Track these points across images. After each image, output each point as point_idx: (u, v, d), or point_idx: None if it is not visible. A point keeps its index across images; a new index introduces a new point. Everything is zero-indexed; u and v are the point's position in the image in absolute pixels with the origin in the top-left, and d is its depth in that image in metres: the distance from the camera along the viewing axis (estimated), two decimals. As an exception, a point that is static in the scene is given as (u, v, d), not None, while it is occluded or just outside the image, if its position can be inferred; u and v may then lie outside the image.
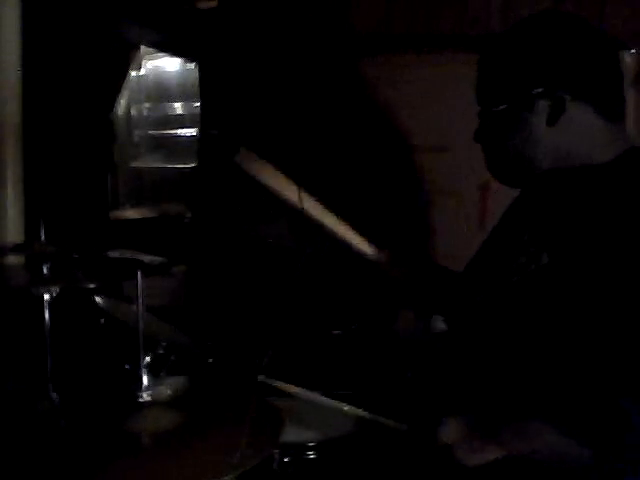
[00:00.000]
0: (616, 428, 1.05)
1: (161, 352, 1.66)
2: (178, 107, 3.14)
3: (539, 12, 1.35)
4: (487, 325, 1.30)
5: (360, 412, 1.40)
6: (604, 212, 1.19)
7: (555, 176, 1.29)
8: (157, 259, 1.83)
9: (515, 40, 1.29)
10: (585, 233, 1.19)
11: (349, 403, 1.41)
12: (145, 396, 1.32)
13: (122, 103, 3.08)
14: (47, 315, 1.57)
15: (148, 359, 1.49)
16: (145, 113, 3.21)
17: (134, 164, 3.14)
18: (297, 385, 1.43)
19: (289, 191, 1.66)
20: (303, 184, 2.48)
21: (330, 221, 1.65)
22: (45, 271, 1.57)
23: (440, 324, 1.79)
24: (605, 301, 1.11)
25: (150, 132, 3.20)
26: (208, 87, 2.69)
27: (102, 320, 1.86)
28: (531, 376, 1.19)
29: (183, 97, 3.10)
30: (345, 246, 1.61)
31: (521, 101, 1.25)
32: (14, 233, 1.88)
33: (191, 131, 3.04)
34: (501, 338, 1.26)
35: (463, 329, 1.41)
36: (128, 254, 1.76)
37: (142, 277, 1.37)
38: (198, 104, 2.79)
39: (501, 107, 1.27)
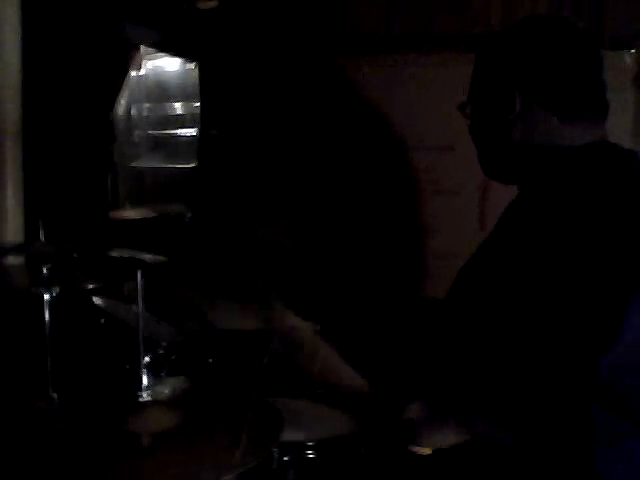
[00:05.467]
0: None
1: (161, 352, 1.67)
2: (178, 107, 3.14)
3: (530, 16, 1.44)
4: (464, 319, 1.33)
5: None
6: (549, 206, 1.23)
7: (517, 179, 1.36)
8: (158, 258, 1.82)
9: (494, 42, 1.37)
10: (533, 231, 1.22)
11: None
12: (145, 396, 1.32)
13: (122, 103, 3.08)
14: (47, 315, 1.57)
15: (148, 359, 1.49)
16: (145, 113, 3.21)
17: (134, 164, 3.14)
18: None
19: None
20: (302, 184, 2.48)
21: None
22: (45, 271, 1.57)
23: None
24: (550, 295, 1.13)
25: (150, 132, 3.20)
26: (208, 87, 2.69)
27: (102, 320, 1.86)
28: (495, 371, 1.21)
29: (183, 97, 3.10)
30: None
31: (482, 96, 1.35)
32: (14, 233, 1.88)
33: (191, 131, 3.04)
34: (473, 332, 1.28)
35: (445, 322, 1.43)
36: (128, 254, 1.76)
37: (142, 277, 1.37)
38: (198, 104, 2.79)
39: (471, 100, 1.37)
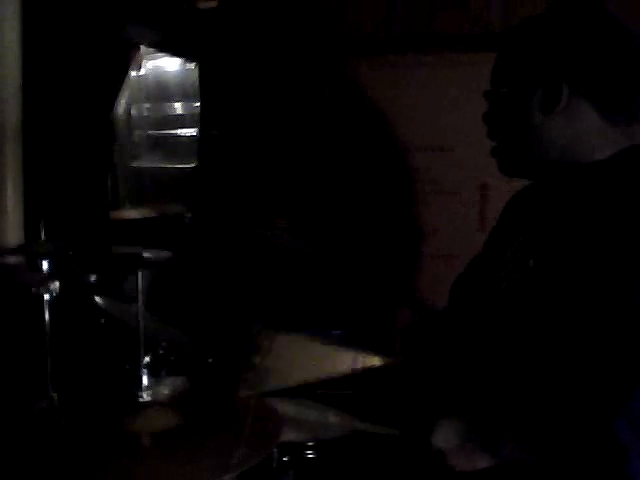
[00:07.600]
0: (615, 459, 1.04)
1: (161, 352, 1.67)
2: (178, 107, 3.14)
3: (575, 1, 1.32)
4: (482, 330, 1.30)
5: (350, 421, 1.40)
6: (585, 215, 1.18)
7: (542, 178, 1.29)
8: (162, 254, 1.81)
9: (533, 26, 1.28)
10: (565, 237, 1.18)
11: (347, 405, 1.41)
12: (145, 396, 1.32)
13: (122, 103, 3.08)
14: (47, 315, 1.57)
15: (148, 359, 1.49)
16: (145, 113, 3.20)
17: (134, 164, 3.14)
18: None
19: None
20: (302, 185, 2.48)
21: None
22: (45, 271, 1.57)
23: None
24: (584, 306, 1.09)
25: (150, 132, 3.19)
26: (208, 87, 2.69)
27: (102, 320, 1.86)
28: (524, 383, 1.18)
29: (183, 97, 3.10)
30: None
31: (522, 85, 1.24)
32: (14, 233, 1.88)
33: (191, 131, 3.04)
34: (494, 344, 1.26)
35: (461, 333, 1.40)
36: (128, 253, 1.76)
37: (142, 276, 1.37)
38: (198, 104, 2.79)
39: (504, 89, 1.27)
